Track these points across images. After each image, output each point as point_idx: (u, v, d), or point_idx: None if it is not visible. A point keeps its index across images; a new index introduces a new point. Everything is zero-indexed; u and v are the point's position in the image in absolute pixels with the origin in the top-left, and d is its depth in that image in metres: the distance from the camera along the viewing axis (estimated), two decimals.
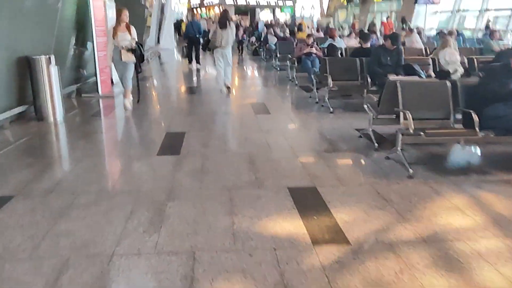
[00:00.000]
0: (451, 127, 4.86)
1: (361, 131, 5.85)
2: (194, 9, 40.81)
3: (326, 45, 10.92)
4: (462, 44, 17.83)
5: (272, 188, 3.95)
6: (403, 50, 7.43)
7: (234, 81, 11.14)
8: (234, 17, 34.17)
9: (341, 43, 10.98)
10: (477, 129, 4.41)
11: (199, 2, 41.14)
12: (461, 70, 7.64)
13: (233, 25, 9.09)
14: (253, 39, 19.89)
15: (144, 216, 3.34)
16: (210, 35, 9.16)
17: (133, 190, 3.90)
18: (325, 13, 31.07)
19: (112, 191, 3.91)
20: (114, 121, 7.00)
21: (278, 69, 13.08)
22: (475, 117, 4.44)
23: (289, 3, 35.52)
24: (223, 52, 8.89)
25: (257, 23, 27.61)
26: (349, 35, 13.80)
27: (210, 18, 28.21)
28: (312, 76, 8.64)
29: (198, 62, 13.82)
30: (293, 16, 35.42)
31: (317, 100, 8.16)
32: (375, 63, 7.33)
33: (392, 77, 5.08)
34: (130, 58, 7.15)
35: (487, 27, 20.32)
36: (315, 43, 10.56)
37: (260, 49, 17.57)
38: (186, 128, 6.18)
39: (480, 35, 21.43)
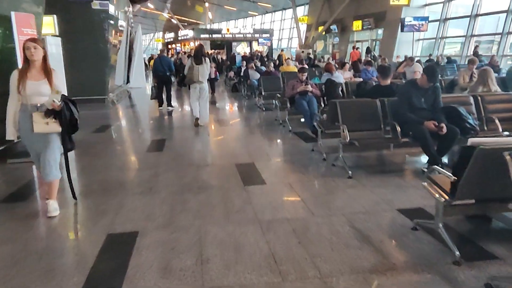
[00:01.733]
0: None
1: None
2: (169, 44, 39.00)
3: (323, 80, 8.86)
4: (457, 71, 16.24)
5: None
6: (440, 89, 5.37)
7: (212, 127, 8.93)
8: (210, 51, 32.39)
9: (340, 78, 8.94)
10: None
11: (173, 37, 39.35)
12: None
13: (207, 60, 8.78)
14: (231, 74, 17.85)
15: None
16: (185, 71, 8.81)
17: None
18: (303, 43, 29.49)
19: None
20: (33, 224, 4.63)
21: (264, 109, 10.95)
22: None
23: (266, 35, 33.97)
24: (200, 86, 8.60)
25: (234, 56, 25.80)
26: (342, 67, 11.82)
27: (185, 52, 26.28)
28: (315, 123, 6.47)
29: (170, 104, 11.61)
30: (270, 48, 33.84)
31: (324, 155, 5.99)
32: (405, 107, 5.23)
33: (473, 140, 2.96)
34: (49, 128, 3.99)
35: (475, 53, 18.85)
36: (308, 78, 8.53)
37: (240, 85, 15.51)
38: (140, 224, 3.87)
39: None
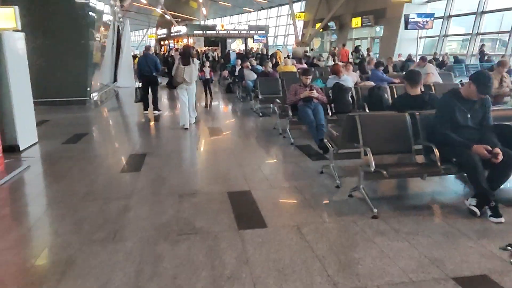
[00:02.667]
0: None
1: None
2: (162, 41, 37.58)
3: (329, 84, 7.64)
4: (466, 72, 15.09)
5: None
6: (491, 101, 4.16)
7: (202, 137, 7.70)
8: (204, 48, 31.04)
9: (349, 81, 7.71)
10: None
11: (166, 33, 37.90)
12: None
13: (196, 61, 8.40)
14: (226, 73, 16.57)
15: None
16: (172, 72, 8.38)
17: None
18: (300, 40, 28.23)
19: None
20: None
21: (260, 114, 9.72)
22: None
23: (262, 33, 32.64)
24: (188, 88, 8.27)
25: (229, 54, 24.50)
26: (344, 66, 10.58)
27: (177, 50, 24.94)
28: (326, 140, 5.22)
29: (156, 107, 10.33)
30: (265, 45, 32.52)
31: (338, 181, 4.78)
32: (446, 124, 4.03)
33: None
34: None
35: (481, 51, 17.72)
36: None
37: (235, 86, 14.25)
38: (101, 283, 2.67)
39: (473, 60, 18.95)
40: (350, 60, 18.96)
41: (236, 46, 32.95)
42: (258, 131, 8.18)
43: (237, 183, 4.98)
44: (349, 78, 7.81)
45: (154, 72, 10.10)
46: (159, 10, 44.11)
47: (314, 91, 6.85)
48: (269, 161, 6.16)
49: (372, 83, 8.14)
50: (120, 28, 18.44)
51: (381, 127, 4.40)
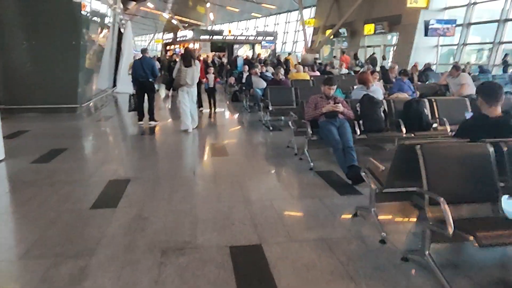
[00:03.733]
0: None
1: None
2: (168, 45, 36.43)
3: (356, 96, 6.28)
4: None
5: None
6: None
7: (201, 157, 6.35)
8: (210, 54, 29.82)
9: (379, 93, 6.33)
10: None
11: (172, 37, 36.73)
12: None
13: (197, 63, 8.16)
14: (232, 80, 15.23)
15: None
16: (174, 74, 8.06)
17: None
18: (310, 47, 26.90)
19: None
20: None
21: (271, 128, 8.35)
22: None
23: (270, 39, 31.36)
24: (189, 90, 7.96)
25: (235, 60, 23.19)
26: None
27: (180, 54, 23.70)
28: (364, 171, 3.80)
29: (152, 118, 8.99)
30: (274, 52, 31.22)
31: (383, 233, 3.40)
32: None
33: None
34: None
35: (505, 62, 16.30)
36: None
37: (242, 94, 12.91)
38: None
39: (496, 70, 17.50)
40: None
41: (243, 52, 31.66)
42: (269, 150, 6.80)
43: (243, 230, 3.60)
44: (380, 90, 6.42)
45: (151, 77, 8.78)
46: (166, 15, 43.11)
47: (340, 105, 5.49)
48: (285, 194, 4.76)
49: (405, 95, 6.77)
50: (121, 30, 17.23)
51: (453, 162, 2.99)
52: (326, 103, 5.57)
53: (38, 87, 10.28)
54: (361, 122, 5.64)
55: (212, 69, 11.12)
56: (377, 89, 6.33)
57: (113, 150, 7.08)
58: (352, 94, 6.50)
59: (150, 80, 8.76)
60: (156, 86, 8.82)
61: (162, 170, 5.59)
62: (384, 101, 6.01)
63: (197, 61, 7.97)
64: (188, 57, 7.79)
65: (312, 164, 5.52)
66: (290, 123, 6.53)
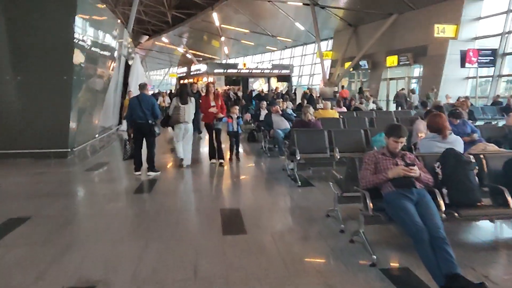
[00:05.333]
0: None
1: None
2: (181, 79, 35.23)
3: (427, 149, 4.36)
4: None
5: None
6: None
7: (210, 240, 4.39)
8: (225, 87, 28.38)
9: (460, 145, 4.38)
10: None
11: (186, 71, 35.55)
12: None
13: (193, 100, 7.79)
14: (248, 116, 13.48)
15: None
16: (170, 111, 7.74)
17: None
18: (328, 80, 25.25)
19: None
20: None
21: (299, 183, 6.39)
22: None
23: (285, 71, 29.84)
24: (185, 127, 7.67)
25: (251, 94, 21.62)
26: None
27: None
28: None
29: (152, 167, 7.19)
30: (289, 85, 29.65)
31: None
32: None
33: None
34: None
35: None
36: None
37: (259, 132, 11.11)
38: None
39: None
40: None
41: (258, 85, 30.17)
42: (302, 221, 4.81)
43: None
44: (460, 140, 4.46)
45: (151, 119, 7.02)
46: (181, 49, 42.34)
47: (416, 168, 3.58)
48: None
49: (491, 146, 4.82)
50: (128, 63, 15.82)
51: None
52: (392, 163, 3.67)
53: (26, 128, 8.66)
54: (444, 191, 3.70)
55: (237, 109, 8.88)
56: (456, 140, 4.38)
57: (89, 221, 4.95)
58: (419, 147, 4.57)
59: (150, 122, 7.00)
60: (156, 129, 7.04)
61: (149, 273, 3.63)
62: (470, 157, 4.07)
63: (193, 98, 7.78)
64: (184, 95, 7.62)
65: (375, 256, 3.56)
66: (332, 185, 4.61)
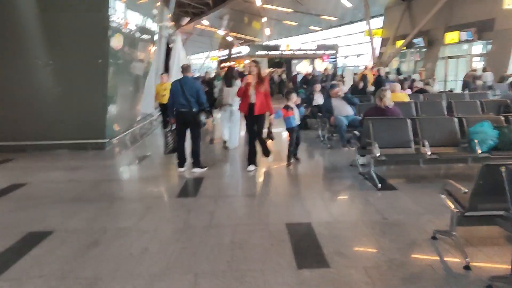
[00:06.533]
0: None
1: None
2: (222, 62, 34.13)
3: None
4: None
5: None
6: None
7: (282, 277, 3.20)
8: (267, 70, 27.00)
9: None
10: None
11: (227, 54, 34.38)
12: None
13: (238, 82, 7.25)
14: (297, 100, 12.13)
15: None
16: (216, 94, 8.30)
17: None
18: (379, 61, 23.27)
19: None
20: None
21: (379, 185, 5.05)
22: None
23: (331, 52, 27.99)
24: (231, 110, 7.51)
25: (296, 77, 20.18)
26: None
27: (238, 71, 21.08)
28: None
29: (197, 163, 6.09)
30: (335, 65, 27.82)
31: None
32: None
33: None
34: None
35: None
36: None
37: (314, 118, 9.81)
38: None
39: None
40: None
41: (302, 67, 28.52)
42: (404, 249, 3.44)
43: None
44: None
45: (195, 107, 5.88)
46: (221, 32, 41.13)
47: None
48: None
49: None
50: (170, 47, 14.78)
51: None
52: None
53: (60, 118, 7.80)
54: None
55: (294, 96, 6.60)
56: None
57: (120, 242, 3.74)
58: None
59: (194, 110, 5.86)
60: (202, 118, 5.88)
61: None
62: None
63: (238, 81, 7.40)
64: (229, 77, 7.55)
65: None
66: (444, 198, 3.28)
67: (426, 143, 5.03)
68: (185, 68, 6.00)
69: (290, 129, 6.45)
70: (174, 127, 6.03)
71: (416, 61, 23.11)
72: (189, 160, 6.14)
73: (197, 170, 6.05)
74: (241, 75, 8.86)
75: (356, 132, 5.85)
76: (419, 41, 21.47)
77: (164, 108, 9.11)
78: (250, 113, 5.93)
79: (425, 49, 21.93)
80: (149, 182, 5.89)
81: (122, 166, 7.12)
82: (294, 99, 6.59)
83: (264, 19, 33.43)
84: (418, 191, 4.84)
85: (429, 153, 4.95)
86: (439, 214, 3.92)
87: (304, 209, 4.44)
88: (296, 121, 6.49)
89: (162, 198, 5.11)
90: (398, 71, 20.59)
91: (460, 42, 19.15)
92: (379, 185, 4.96)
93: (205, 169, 6.14)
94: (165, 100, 8.66)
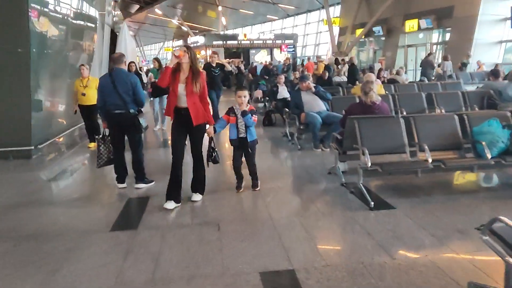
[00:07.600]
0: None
1: None
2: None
3: None
4: None
5: None
6: None
7: None
8: (224, 60, 25.58)
9: None
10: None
11: (182, 44, 32.57)
12: None
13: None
14: (259, 93, 11.01)
15: None
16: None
17: None
18: (338, 50, 22.49)
19: None
20: None
21: (371, 203, 3.96)
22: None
23: (289, 41, 26.98)
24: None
25: (255, 68, 18.98)
26: None
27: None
28: None
29: (141, 176, 4.76)
30: (294, 55, 26.87)
31: None
32: None
33: None
34: None
35: None
36: None
37: (279, 114, 8.68)
38: None
39: None
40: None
41: (260, 57, 27.33)
42: None
43: None
44: None
45: (132, 107, 4.54)
46: (175, 22, 39.10)
47: None
48: None
49: None
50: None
51: None
52: None
53: None
54: None
55: (247, 94, 4.36)
56: None
57: None
58: None
59: (132, 111, 4.52)
60: (142, 121, 4.57)
61: None
62: None
63: None
64: None
65: None
66: (498, 247, 2.21)
67: (426, 147, 4.00)
68: (117, 58, 4.59)
69: (235, 141, 4.39)
70: (107, 133, 4.65)
71: (375, 50, 22.55)
72: (131, 172, 4.81)
73: (142, 186, 4.74)
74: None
75: (337, 136, 4.73)
76: (379, 30, 20.87)
77: (87, 111, 6.90)
78: (179, 120, 4.03)
79: (383, 38, 21.40)
80: (78, 206, 4.47)
81: (48, 181, 5.65)
82: (245, 98, 4.27)
83: (220, 8, 31.89)
84: (419, 209, 3.82)
85: (430, 160, 3.92)
86: (461, 247, 2.89)
87: (282, 246, 3.25)
88: (241, 132, 4.29)
89: (90, 232, 3.73)
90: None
91: (420, 30, 18.67)
92: (372, 203, 3.88)
93: (152, 183, 4.84)
94: (87, 101, 6.78)
